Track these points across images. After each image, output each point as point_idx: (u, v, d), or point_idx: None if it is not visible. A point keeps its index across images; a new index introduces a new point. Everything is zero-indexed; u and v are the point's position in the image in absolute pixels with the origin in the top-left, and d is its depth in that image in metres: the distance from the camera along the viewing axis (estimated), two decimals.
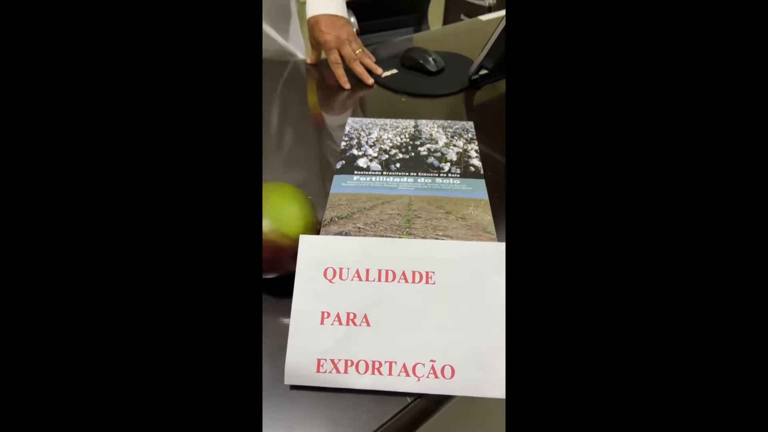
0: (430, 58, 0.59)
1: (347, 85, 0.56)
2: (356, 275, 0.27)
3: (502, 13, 0.75)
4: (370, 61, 0.58)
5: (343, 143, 0.42)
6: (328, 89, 0.57)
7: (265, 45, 0.65)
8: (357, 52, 0.58)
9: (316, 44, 0.60)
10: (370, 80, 0.57)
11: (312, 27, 0.59)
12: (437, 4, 1.50)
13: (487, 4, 1.20)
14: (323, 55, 0.60)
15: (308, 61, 0.64)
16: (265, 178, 0.40)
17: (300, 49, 0.72)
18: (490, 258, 0.27)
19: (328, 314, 0.26)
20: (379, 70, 0.58)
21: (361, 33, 0.76)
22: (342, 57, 0.57)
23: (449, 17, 1.76)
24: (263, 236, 0.28)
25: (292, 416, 0.25)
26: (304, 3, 0.60)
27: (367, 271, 0.27)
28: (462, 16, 1.69)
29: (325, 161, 0.43)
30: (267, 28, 0.64)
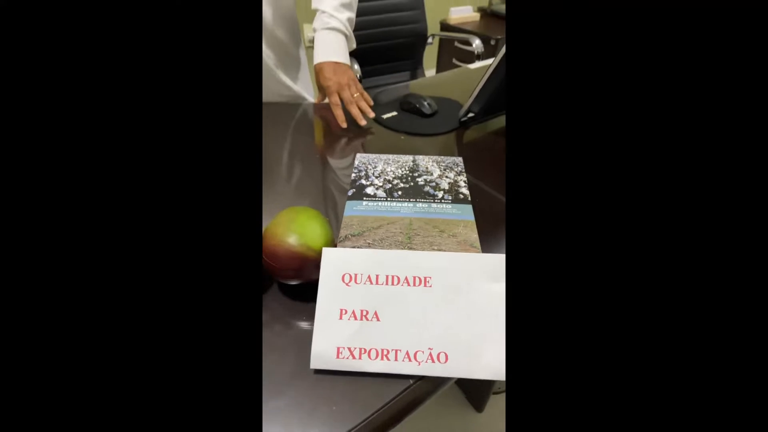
0: (425, 103, 0.68)
1: (344, 125, 0.64)
2: (368, 280, 0.33)
3: (489, 61, 0.86)
4: (366, 105, 0.65)
5: (353, 174, 0.49)
6: (337, 128, 0.66)
7: (279, 90, 0.74)
8: (355, 95, 0.65)
9: (320, 88, 0.69)
10: (363, 121, 0.63)
11: (317, 72, 0.68)
12: (432, 50, 1.65)
13: (476, 51, 1.33)
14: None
15: (316, 101, 0.73)
16: (284, 204, 0.47)
17: (309, 93, 0.82)
18: (476, 266, 0.33)
19: (345, 311, 0.32)
20: (371, 114, 0.65)
21: (363, 77, 0.85)
22: (342, 99, 0.65)
23: (442, 62, 1.91)
24: (292, 249, 0.34)
25: (317, 395, 0.30)
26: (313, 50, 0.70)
27: (377, 276, 0.33)
28: (454, 60, 1.85)
29: (338, 189, 0.50)
30: (280, 75, 0.73)
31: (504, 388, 0.98)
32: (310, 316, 0.34)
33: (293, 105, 0.74)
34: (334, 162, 0.57)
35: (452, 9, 1.86)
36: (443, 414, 0.98)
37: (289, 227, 0.35)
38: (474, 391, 0.98)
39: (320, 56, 0.67)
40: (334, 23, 0.66)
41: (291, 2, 0.71)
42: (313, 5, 0.68)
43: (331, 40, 0.66)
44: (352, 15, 0.68)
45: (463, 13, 1.87)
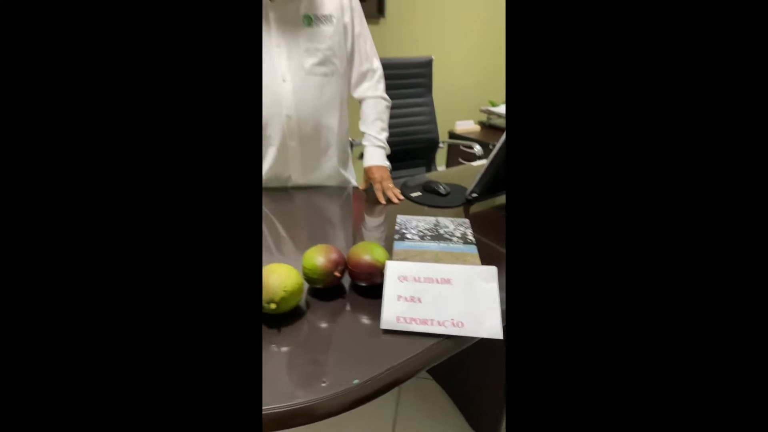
0: (441, 186, 0.96)
1: (383, 201, 0.91)
2: (414, 279, 0.55)
3: (484, 161, 1.17)
4: (397, 192, 0.94)
5: (397, 227, 0.74)
6: (379, 203, 0.93)
7: (332, 174, 1.03)
8: (390, 185, 0.95)
9: (367, 179, 0.99)
10: (396, 200, 0.92)
11: (367, 171, 0.98)
12: (442, 152, 2.04)
13: (476, 153, 1.70)
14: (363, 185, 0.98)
15: (361, 187, 1.02)
16: (357, 240, 0.71)
17: (353, 179, 1.11)
18: (477, 273, 0.55)
19: (401, 297, 0.54)
20: (400, 198, 0.93)
21: (392, 170, 1.15)
22: (382, 187, 0.94)
23: (450, 160, 2.32)
24: (368, 262, 0.57)
25: (385, 346, 0.50)
26: (358, 150, 1.01)
27: (418, 277, 0.55)
28: (459, 160, 2.24)
29: (389, 235, 0.74)
30: (340, 168, 1.04)
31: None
32: (377, 302, 0.55)
33: (343, 188, 1.03)
34: (383, 220, 0.83)
35: (458, 122, 2.33)
36: None
37: (365, 250, 0.59)
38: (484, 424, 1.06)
39: (369, 162, 0.98)
40: (378, 143, 0.98)
41: (346, 122, 1.04)
42: (361, 128, 1.01)
43: (376, 153, 0.98)
44: (387, 134, 1.01)
45: (467, 126, 2.34)
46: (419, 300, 0.53)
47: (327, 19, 0.84)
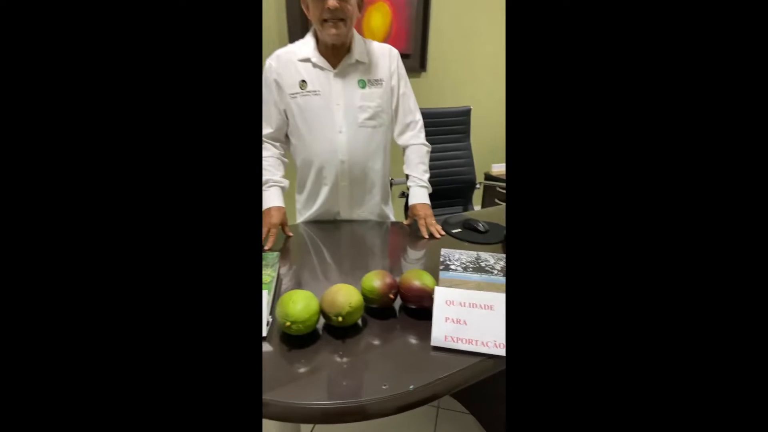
0: (480, 224, 1.04)
1: (426, 235, 1.00)
2: (460, 304, 0.63)
3: None
4: (439, 227, 1.03)
5: (441, 258, 0.82)
6: (423, 237, 1.02)
7: (374, 209, 1.15)
8: (433, 222, 1.05)
9: (412, 215, 1.09)
10: (438, 236, 1.01)
11: (411, 208, 1.08)
12: (478, 192, 2.13)
13: None
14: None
15: (405, 223, 1.12)
16: (408, 268, 0.80)
17: (392, 213, 1.23)
18: None
19: (448, 318, 0.61)
20: (442, 233, 1.02)
21: (432, 208, 1.24)
22: (426, 223, 1.04)
23: (486, 200, 2.40)
24: (418, 287, 0.66)
25: (434, 360, 0.57)
26: (397, 189, 1.12)
27: (464, 302, 0.63)
28: (495, 200, 2.31)
29: (434, 266, 0.83)
30: (382, 205, 1.16)
31: None
32: (425, 323, 0.63)
33: (383, 222, 1.15)
34: (424, 253, 0.92)
35: (494, 165, 2.44)
36: None
37: (415, 277, 0.68)
38: None
39: (414, 200, 1.09)
40: (422, 183, 1.10)
41: (388, 164, 1.17)
42: (406, 171, 1.14)
43: (420, 192, 1.09)
44: (429, 174, 1.13)
45: (502, 168, 2.43)
46: (465, 322, 0.61)
47: (378, 82, 1.03)
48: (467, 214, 1.21)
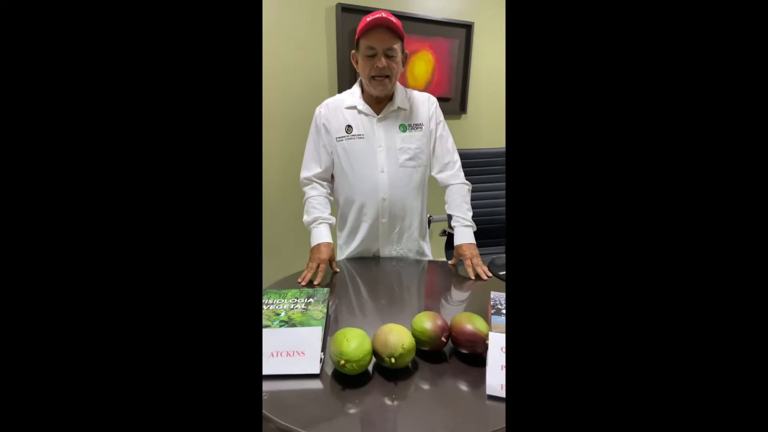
0: None
1: (473, 276, 0.99)
2: None
3: None
4: (485, 269, 1.02)
5: (492, 302, 0.81)
6: (469, 278, 1.01)
7: (412, 246, 1.17)
8: (479, 262, 1.03)
9: (458, 255, 1.08)
10: (485, 277, 0.99)
11: (457, 248, 1.08)
12: None
13: None
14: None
15: (450, 263, 1.11)
16: (458, 311, 0.78)
17: (429, 251, 1.23)
18: None
19: (503, 367, 0.59)
20: (489, 275, 1.00)
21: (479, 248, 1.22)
22: (472, 263, 1.03)
23: None
24: (470, 331, 0.65)
25: (490, 410, 0.55)
26: (437, 227, 1.13)
27: None
28: None
29: (485, 308, 0.81)
30: (421, 241, 1.17)
31: None
32: (477, 369, 0.61)
33: (420, 260, 1.15)
34: (468, 295, 0.90)
35: None
36: None
37: (468, 320, 0.67)
38: None
39: (459, 240, 1.09)
40: (466, 222, 1.10)
41: (426, 201, 1.20)
42: (449, 211, 1.15)
43: (465, 232, 1.10)
44: (472, 213, 1.13)
45: None
46: None
47: (418, 126, 1.10)
48: None
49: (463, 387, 0.61)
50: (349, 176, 1.10)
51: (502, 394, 0.56)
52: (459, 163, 1.17)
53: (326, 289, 0.85)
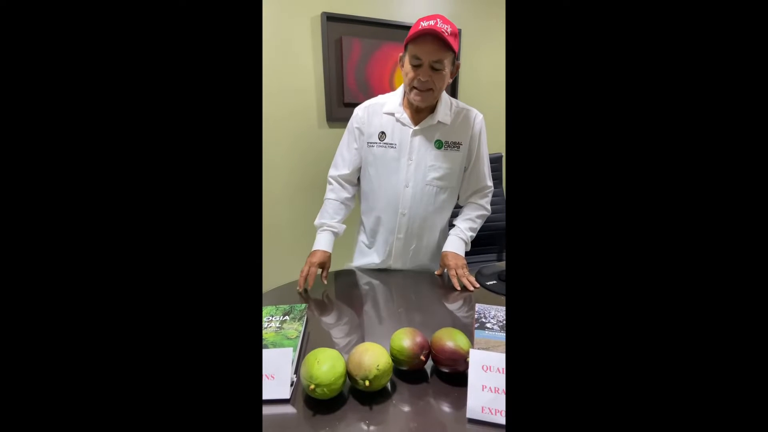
0: None
1: (458, 287, 0.95)
2: (498, 370, 0.57)
3: None
4: (472, 279, 0.99)
5: (476, 315, 0.77)
6: (455, 288, 0.98)
7: (422, 263, 1.13)
8: (466, 273, 1.00)
9: (443, 265, 1.05)
10: (471, 288, 0.95)
11: (443, 256, 1.05)
12: None
13: None
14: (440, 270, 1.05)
15: (436, 273, 1.08)
16: (442, 325, 0.75)
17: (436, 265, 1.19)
18: None
19: (485, 387, 0.56)
20: (476, 285, 0.97)
21: (467, 255, 1.19)
22: (457, 274, 0.99)
23: None
24: (451, 348, 0.61)
25: None
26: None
27: (502, 368, 0.57)
28: None
29: (467, 322, 0.78)
30: (430, 258, 1.13)
31: None
32: (459, 389, 0.57)
33: (421, 272, 1.11)
34: (460, 305, 0.87)
35: None
36: None
37: (448, 336, 0.63)
38: None
39: (447, 248, 1.06)
40: (463, 236, 1.07)
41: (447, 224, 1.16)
42: (453, 222, 1.12)
43: (456, 242, 1.06)
44: (473, 235, 1.10)
45: None
46: (503, 392, 0.55)
47: (455, 145, 1.02)
48: (502, 265, 1.16)
49: (445, 409, 0.57)
50: (373, 184, 1.06)
51: (484, 417, 0.53)
52: (491, 191, 1.13)
53: (304, 305, 0.82)
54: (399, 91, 1.03)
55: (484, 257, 1.64)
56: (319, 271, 1.01)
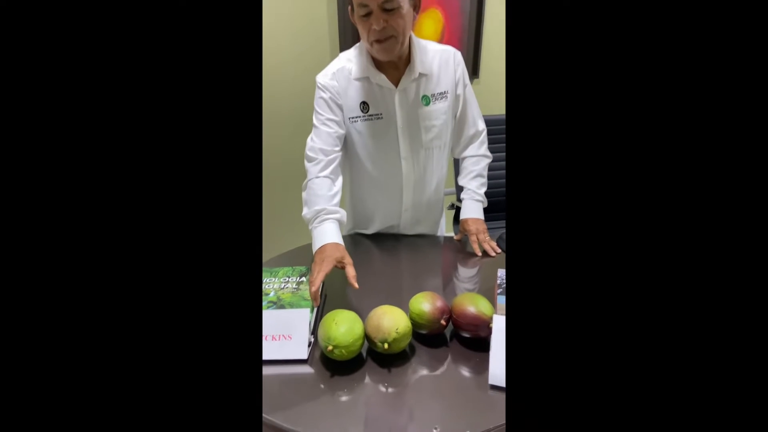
0: None
1: (479, 253, 0.92)
2: None
3: None
4: (494, 244, 0.95)
5: (498, 281, 0.74)
6: (475, 255, 0.95)
7: (434, 227, 1.09)
8: (487, 238, 0.96)
9: (463, 230, 1.01)
10: (493, 253, 0.92)
11: (463, 222, 1.01)
12: None
13: None
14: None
15: (456, 238, 1.05)
16: (462, 290, 0.73)
17: (444, 227, 1.15)
18: None
19: None
20: (497, 250, 0.93)
21: (487, 221, 1.15)
22: (478, 239, 0.96)
23: None
24: (473, 314, 0.59)
25: (493, 402, 0.50)
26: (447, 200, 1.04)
27: None
28: None
29: (491, 287, 0.75)
30: (437, 219, 1.09)
31: None
32: (480, 355, 0.55)
33: (438, 237, 1.08)
34: (476, 272, 0.84)
35: None
36: None
37: (470, 301, 0.61)
38: None
39: (466, 214, 1.01)
40: (477, 197, 1.02)
41: (444, 179, 1.10)
42: (461, 183, 1.06)
43: (474, 206, 1.01)
44: (486, 188, 1.04)
45: None
46: None
47: (442, 96, 0.90)
48: None
49: (465, 374, 0.56)
50: (365, 164, 0.92)
51: (501, 383, 0.51)
52: (485, 133, 1.04)
53: None
54: (358, 50, 0.86)
55: (499, 223, 1.59)
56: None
